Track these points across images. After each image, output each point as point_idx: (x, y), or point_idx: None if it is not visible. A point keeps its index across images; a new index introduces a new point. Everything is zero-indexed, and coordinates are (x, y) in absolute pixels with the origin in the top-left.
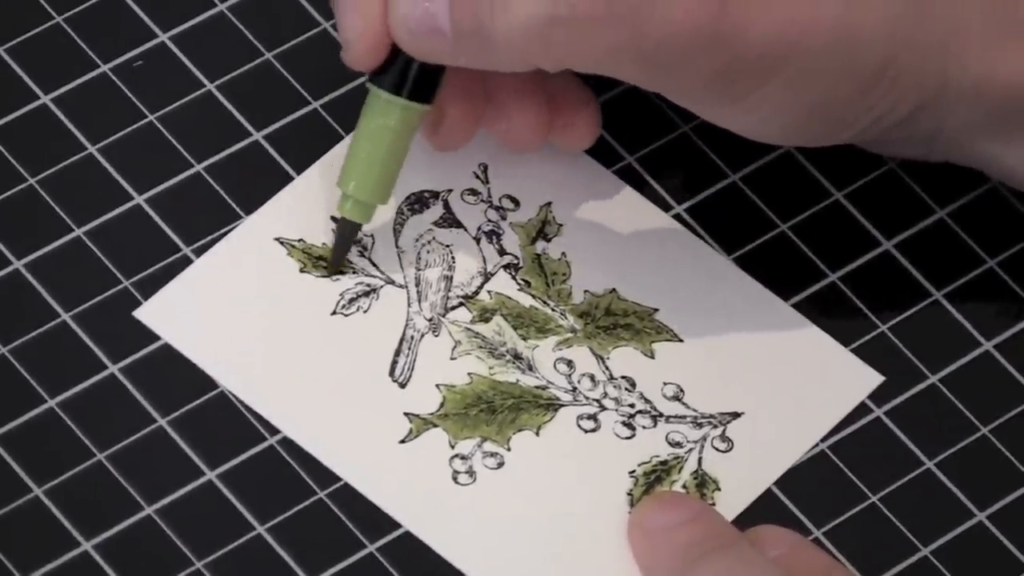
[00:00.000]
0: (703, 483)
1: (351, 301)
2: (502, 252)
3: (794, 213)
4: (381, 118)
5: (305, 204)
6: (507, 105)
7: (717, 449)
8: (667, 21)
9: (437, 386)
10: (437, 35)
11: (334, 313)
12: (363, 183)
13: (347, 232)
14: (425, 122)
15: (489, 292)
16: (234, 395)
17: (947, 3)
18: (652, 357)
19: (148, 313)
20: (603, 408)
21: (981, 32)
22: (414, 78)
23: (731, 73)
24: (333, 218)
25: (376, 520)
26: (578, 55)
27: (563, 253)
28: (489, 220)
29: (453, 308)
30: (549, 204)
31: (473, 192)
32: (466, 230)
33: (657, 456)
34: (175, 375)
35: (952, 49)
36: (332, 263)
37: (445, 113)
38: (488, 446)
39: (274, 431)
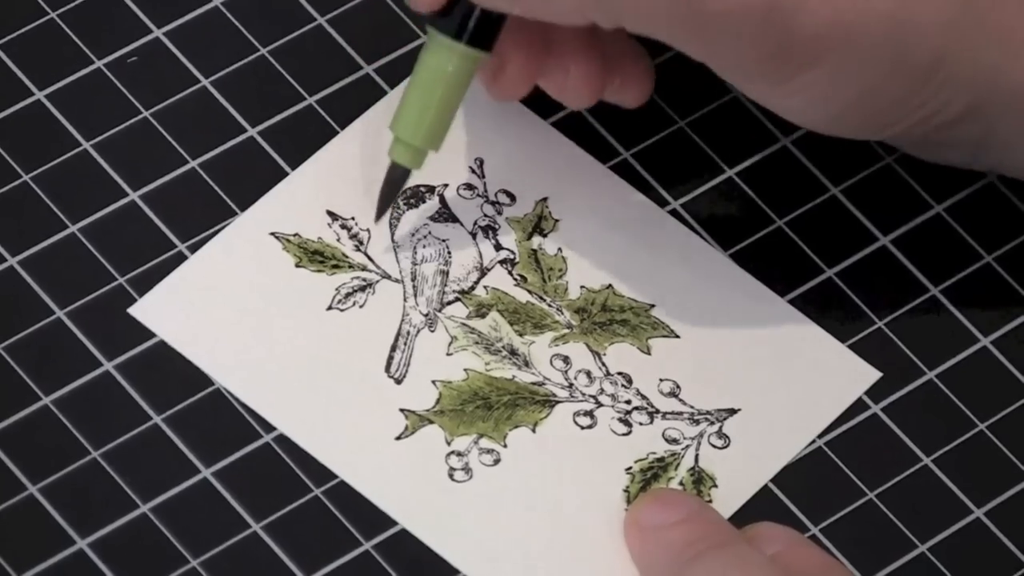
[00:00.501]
0: (700, 480)
1: (347, 296)
2: (498, 247)
3: (790, 209)
4: (439, 62)
5: (300, 199)
6: (565, 58)
7: (714, 446)
8: None
9: (433, 382)
10: None
11: (330, 308)
12: (416, 128)
13: (396, 177)
14: (484, 70)
15: (485, 287)
16: (229, 392)
17: (1004, 5)
18: (648, 353)
19: (143, 310)
20: (599, 404)
21: None
22: (475, 24)
23: (783, 52)
24: (329, 212)
25: (372, 517)
26: (633, 15)
27: (559, 248)
28: (485, 215)
29: (449, 303)
30: (545, 199)
31: (469, 187)
32: (462, 225)
33: (654, 453)
34: (170, 372)
35: (1008, 51)
36: (379, 210)
37: (505, 62)
38: (484, 443)
39: (269, 428)
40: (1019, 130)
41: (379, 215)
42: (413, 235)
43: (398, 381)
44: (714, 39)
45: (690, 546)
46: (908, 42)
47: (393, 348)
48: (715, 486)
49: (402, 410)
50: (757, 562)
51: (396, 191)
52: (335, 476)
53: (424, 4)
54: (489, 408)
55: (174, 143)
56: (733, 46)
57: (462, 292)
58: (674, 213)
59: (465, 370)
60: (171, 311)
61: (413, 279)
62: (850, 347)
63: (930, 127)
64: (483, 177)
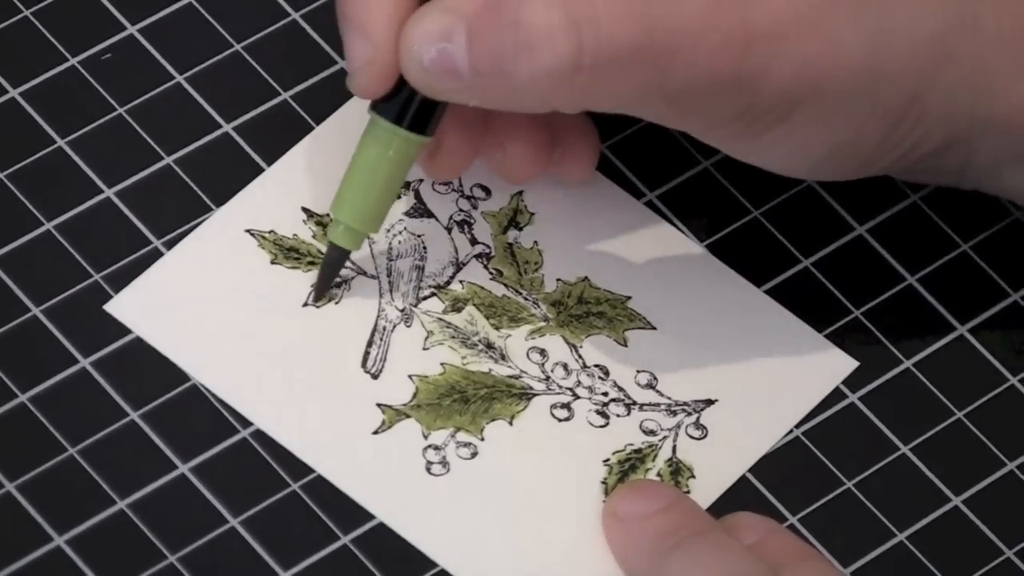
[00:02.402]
0: (678, 471)
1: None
2: (474, 241)
3: (766, 199)
4: (380, 148)
5: (276, 195)
6: (505, 137)
7: (691, 436)
8: (690, 65)
9: (410, 376)
10: (452, 75)
11: (305, 304)
12: (357, 211)
13: (336, 259)
14: (422, 151)
15: (461, 282)
16: (206, 388)
17: (973, 42)
18: (625, 345)
19: (119, 306)
20: (576, 397)
21: (1009, 69)
22: (416, 110)
23: (753, 113)
24: (304, 209)
25: (350, 512)
26: (601, 98)
27: (535, 242)
28: (460, 210)
29: (425, 298)
30: (520, 193)
31: (444, 182)
32: (437, 220)
33: (631, 444)
34: (146, 368)
35: (979, 87)
36: (317, 290)
37: (442, 143)
38: (461, 436)
39: (246, 423)
40: (1000, 156)
41: (318, 296)
42: (388, 231)
43: (375, 376)
44: (684, 109)
45: (669, 535)
46: (877, 89)
47: (369, 343)
48: (693, 477)
49: (379, 405)
50: (735, 550)
51: (335, 272)
52: (312, 471)
53: (367, 91)
54: (466, 402)
55: (149, 140)
56: (706, 112)
57: (438, 287)
58: (650, 204)
59: (442, 364)
60: (147, 308)
61: (389, 275)
62: (827, 337)
63: (910, 161)
64: None
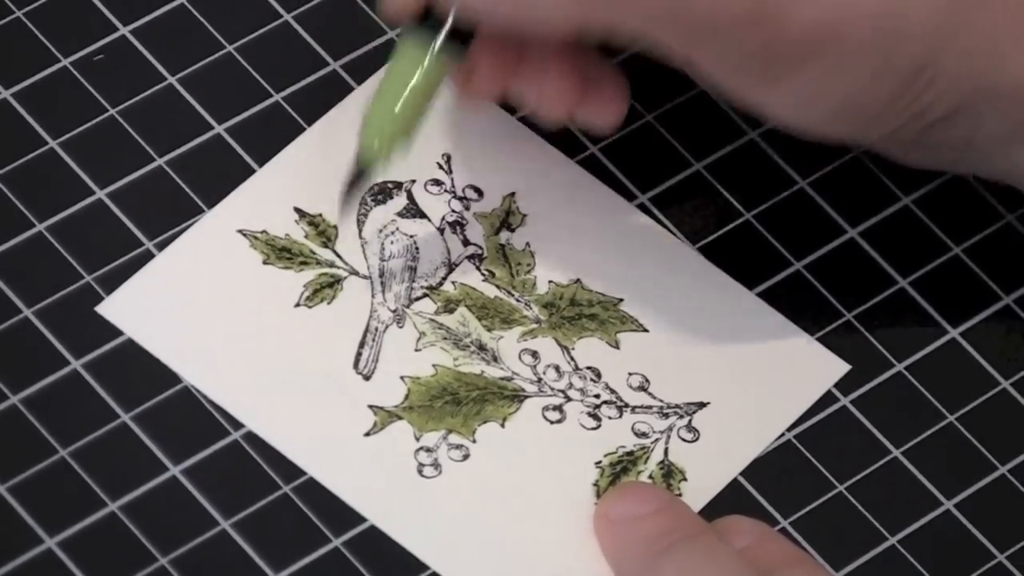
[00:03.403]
0: (669, 473)
1: (315, 293)
2: (466, 243)
3: (758, 202)
4: (410, 68)
5: (267, 196)
6: (540, 70)
7: (683, 439)
8: None
9: (402, 378)
10: None
11: (298, 305)
12: (384, 132)
13: (359, 181)
14: (457, 72)
15: (453, 283)
16: (198, 390)
17: (993, 7)
18: (617, 347)
19: (111, 308)
20: (568, 399)
21: (1018, 41)
22: (447, 32)
23: (770, 54)
24: (297, 209)
25: (341, 514)
26: (620, 17)
27: (527, 243)
28: (453, 211)
29: (417, 299)
30: (513, 194)
31: (437, 182)
32: (430, 221)
33: (623, 447)
34: (138, 370)
35: (994, 54)
36: (341, 211)
37: (475, 66)
38: (453, 438)
39: (238, 425)
40: (1006, 130)
41: (344, 216)
42: (381, 231)
43: (366, 377)
44: (701, 43)
45: (660, 538)
46: (894, 44)
47: (361, 344)
48: (685, 479)
49: (371, 406)
50: (727, 554)
51: (360, 195)
52: (304, 473)
53: (399, 13)
54: (458, 403)
55: (141, 141)
56: (721, 50)
57: (430, 288)
58: (642, 207)
59: (434, 366)
60: (139, 309)
61: (381, 275)
62: (819, 340)
63: (918, 128)
64: (450, 173)
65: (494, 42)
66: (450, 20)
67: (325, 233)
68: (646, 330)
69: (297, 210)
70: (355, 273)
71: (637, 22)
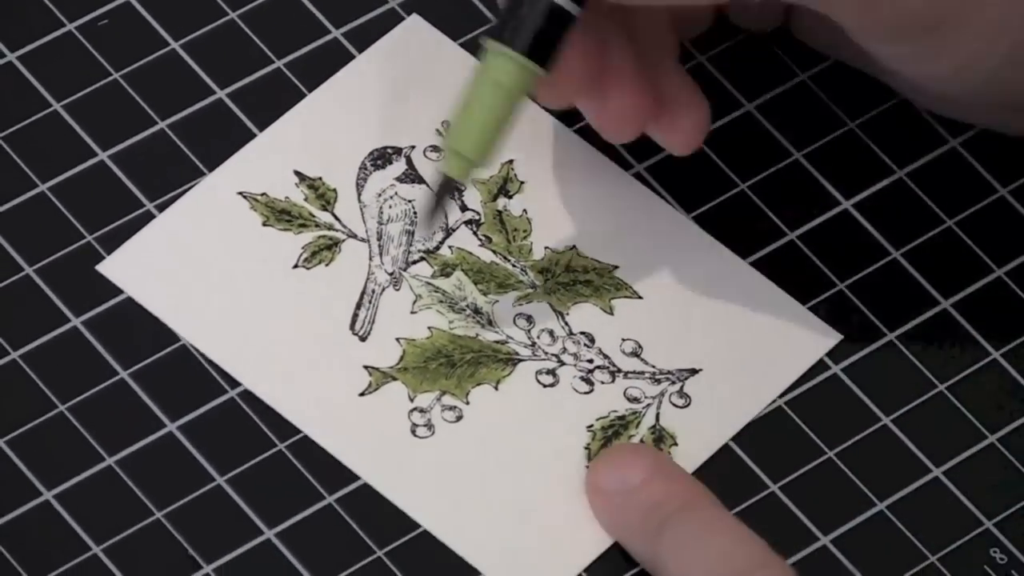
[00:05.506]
0: (660, 438)
1: (313, 255)
2: (464, 208)
3: (753, 172)
4: (496, 76)
5: (268, 159)
6: (611, 86)
7: (675, 405)
8: None
9: (397, 340)
10: None
11: (296, 267)
12: (470, 141)
13: (446, 191)
14: (540, 82)
15: (450, 247)
16: (195, 348)
17: None
18: (611, 313)
19: (111, 267)
20: (562, 363)
21: None
22: (534, 41)
23: (940, 6)
24: (297, 172)
25: (335, 472)
26: None
27: (524, 210)
28: None
29: (414, 263)
30: (511, 161)
31: (436, 149)
32: (428, 186)
33: (615, 411)
34: (137, 328)
35: None
36: (423, 224)
37: (560, 71)
38: (447, 399)
39: (235, 384)
40: None
41: (424, 229)
42: (379, 195)
43: (362, 338)
44: (872, 9)
45: (655, 510)
46: None
47: (358, 306)
48: (675, 444)
49: (366, 367)
50: (723, 521)
51: (444, 205)
52: (299, 431)
53: None
54: (452, 366)
55: (143, 104)
56: (888, 13)
57: (427, 252)
58: (638, 176)
59: (429, 328)
60: (139, 268)
61: (379, 238)
62: (811, 309)
63: None
64: None
65: (581, 51)
66: (539, 25)
67: (324, 196)
68: (640, 297)
69: (297, 173)
70: (353, 236)
71: None
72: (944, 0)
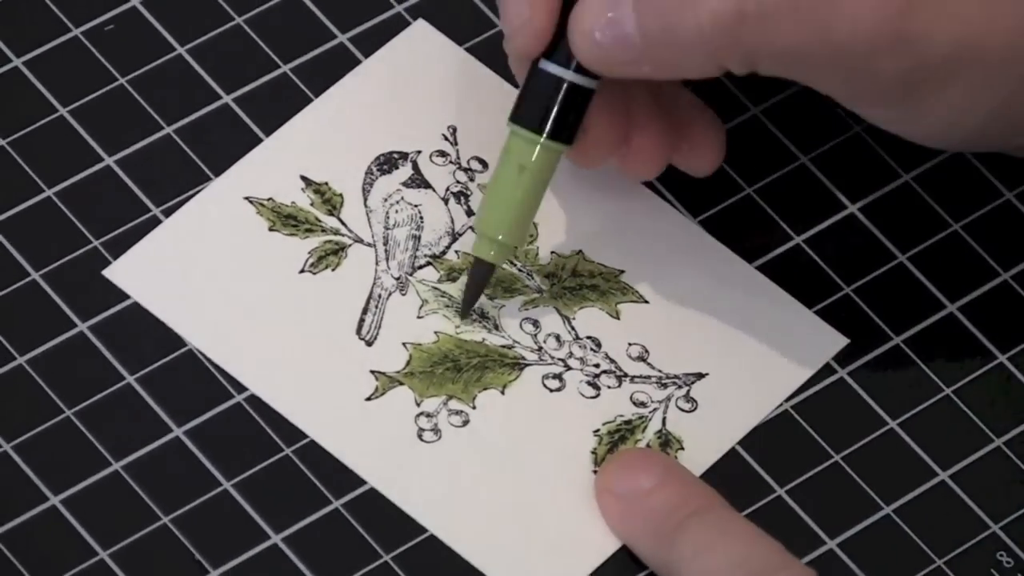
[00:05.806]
0: (667, 443)
1: (319, 259)
2: (470, 213)
3: (759, 177)
4: (520, 160)
5: (274, 164)
6: (631, 130)
7: (681, 409)
8: (854, 17)
9: (404, 344)
10: (624, 42)
11: (302, 271)
12: (503, 225)
13: (483, 274)
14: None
15: (457, 252)
16: (202, 353)
17: None
18: (617, 318)
19: (117, 272)
20: (568, 368)
21: None
22: (556, 117)
23: (915, 75)
24: (303, 177)
25: (341, 477)
26: (766, 52)
27: None
28: (458, 181)
29: (421, 267)
30: None
31: (442, 154)
32: (434, 191)
33: (621, 416)
34: (143, 333)
35: None
36: (464, 308)
37: (589, 135)
38: (453, 404)
39: (241, 388)
40: None
41: (464, 314)
42: (386, 200)
43: (369, 343)
44: (847, 67)
45: (671, 515)
46: None
47: (364, 311)
48: (682, 449)
49: (372, 371)
50: (739, 525)
51: (481, 288)
52: (305, 436)
53: (527, 49)
54: (458, 370)
55: (149, 109)
56: (867, 71)
57: (434, 256)
58: (644, 180)
59: (435, 333)
60: (145, 273)
61: (385, 243)
62: (817, 313)
63: None
64: (456, 144)
65: (606, 116)
66: (557, 105)
67: (330, 201)
68: (646, 301)
69: (303, 178)
70: (359, 241)
71: (779, 54)
72: (918, 71)
